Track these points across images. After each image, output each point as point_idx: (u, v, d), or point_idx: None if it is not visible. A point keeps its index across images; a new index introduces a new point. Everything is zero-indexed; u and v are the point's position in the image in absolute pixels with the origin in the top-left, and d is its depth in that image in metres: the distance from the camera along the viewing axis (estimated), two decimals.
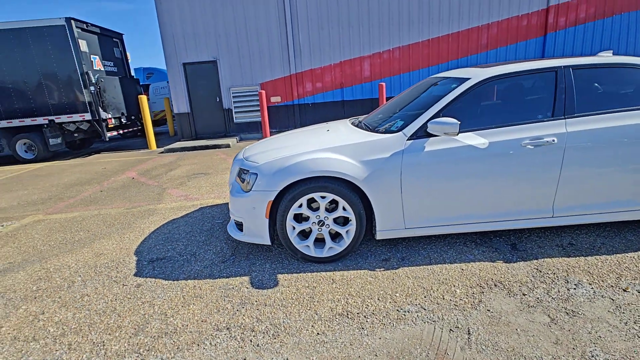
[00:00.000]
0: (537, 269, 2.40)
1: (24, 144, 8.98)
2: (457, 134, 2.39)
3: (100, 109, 8.88)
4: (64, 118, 8.80)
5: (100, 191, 5.44)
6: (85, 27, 8.83)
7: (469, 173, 2.47)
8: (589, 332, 1.80)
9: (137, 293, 2.47)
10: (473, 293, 2.19)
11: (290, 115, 10.57)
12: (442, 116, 2.51)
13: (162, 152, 8.97)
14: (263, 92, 9.24)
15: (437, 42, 10.25)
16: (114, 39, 10.32)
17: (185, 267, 2.78)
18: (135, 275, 2.72)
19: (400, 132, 2.55)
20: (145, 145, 10.33)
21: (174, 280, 2.60)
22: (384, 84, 9.48)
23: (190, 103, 10.40)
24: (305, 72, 10.29)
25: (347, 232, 2.63)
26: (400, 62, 10.36)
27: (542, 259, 2.51)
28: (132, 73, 12.69)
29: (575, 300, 2.06)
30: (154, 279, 2.64)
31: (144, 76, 18.79)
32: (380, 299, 2.21)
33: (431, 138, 2.49)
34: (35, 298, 2.51)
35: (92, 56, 9.03)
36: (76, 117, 8.81)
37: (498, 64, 2.86)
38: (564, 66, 2.54)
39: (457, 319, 1.97)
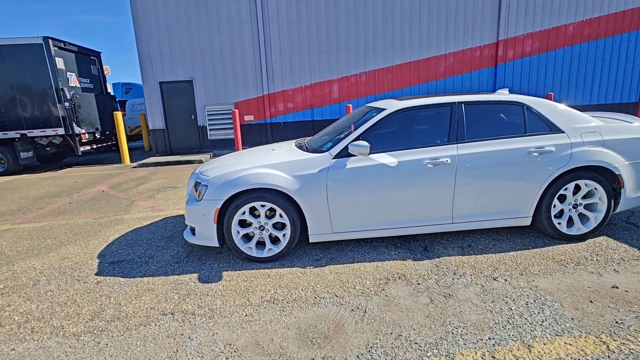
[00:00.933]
0: (436, 265, 2.93)
1: None
2: (369, 154, 2.94)
3: (74, 124, 9.13)
4: (36, 132, 8.98)
5: (69, 203, 5.70)
6: (63, 46, 9.17)
7: (382, 186, 3.01)
8: (454, 309, 2.32)
9: (96, 288, 2.83)
10: (379, 284, 2.69)
11: (263, 133, 11.09)
12: (362, 139, 3.07)
13: (135, 167, 9.24)
14: (236, 111, 9.73)
15: (400, 69, 11.12)
16: (92, 57, 10.66)
17: (142, 268, 3.17)
18: (96, 274, 3.08)
19: (327, 152, 3.08)
20: (119, 160, 10.55)
21: (130, 278, 2.98)
22: (351, 105, 10.18)
23: (165, 120, 10.77)
24: (278, 93, 10.90)
25: (283, 235, 3.10)
26: (366, 86, 11.15)
27: (443, 257, 3.05)
28: (110, 89, 12.97)
29: (455, 287, 2.58)
30: (112, 277, 3.01)
31: (122, 91, 18.97)
32: (303, 289, 2.67)
33: (352, 157, 3.03)
34: (2, 294, 2.82)
35: (68, 73, 9.33)
36: (49, 131, 9.01)
37: (414, 97, 3.47)
38: (457, 102, 3.17)
39: (359, 302, 2.46)
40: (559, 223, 3.17)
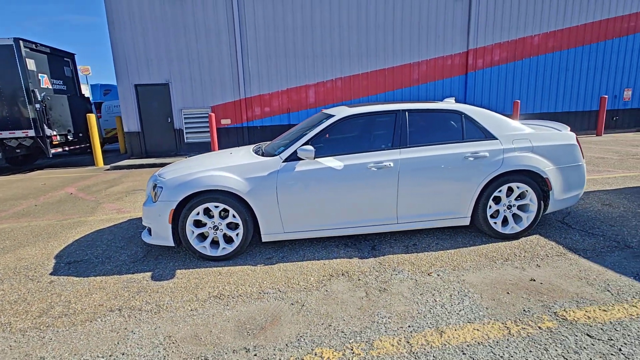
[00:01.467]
0: (379, 263, 3.13)
1: None
2: (315, 158, 3.12)
3: (45, 126, 9.02)
4: (5, 134, 8.84)
5: (34, 205, 5.68)
6: (35, 47, 9.07)
7: (330, 189, 3.20)
8: (386, 301, 2.51)
9: (49, 287, 2.90)
10: (322, 280, 2.87)
11: (240, 137, 11.18)
12: (310, 144, 3.25)
13: (107, 169, 9.19)
14: (213, 114, 9.81)
15: (375, 75, 11.43)
16: (65, 59, 10.55)
17: (98, 267, 3.25)
18: (51, 274, 3.15)
19: (278, 156, 3.25)
20: (93, 163, 10.44)
21: (84, 277, 3.06)
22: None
23: (141, 122, 10.73)
24: (255, 97, 11.04)
25: (237, 235, 3.24)
26: (342, 91, 11.41)
27: (387, 256, 3.25)
28: (88, 90, 12.80)
29: (391, 282, 2.78)
30: (66, 277, 3.08)
31: (101, 92, 18.70)
32: (250, 285, 2.82)
33: (301, 161, 3.21)
34: None
35: (39, 74, 9.23)
36: (19, 133, 8.87)
37: (365, 104, 3.68)
38: (401, 109, 3.39)
39: (300, 297, 2.62)
40: (495, 223, 3.42)
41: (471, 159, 3.28)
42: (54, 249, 3.72)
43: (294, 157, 3.23)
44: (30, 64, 8.86)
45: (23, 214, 5.20)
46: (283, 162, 3.22)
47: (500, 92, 12.08)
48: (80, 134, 10.72)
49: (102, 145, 13.82)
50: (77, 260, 3.41)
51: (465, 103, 11.95)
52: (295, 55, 10.94)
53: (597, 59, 12.36)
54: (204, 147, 11.04)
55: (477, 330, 2.14)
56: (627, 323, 2.14)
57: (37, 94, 8.85)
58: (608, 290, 2.51)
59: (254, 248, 3.53)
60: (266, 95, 11.08)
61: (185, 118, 10.84)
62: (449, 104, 3.57)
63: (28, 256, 3.57)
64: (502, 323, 2.19)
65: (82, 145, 10.96)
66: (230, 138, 11.13)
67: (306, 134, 3.34)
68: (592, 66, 12.39)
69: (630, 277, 2.67)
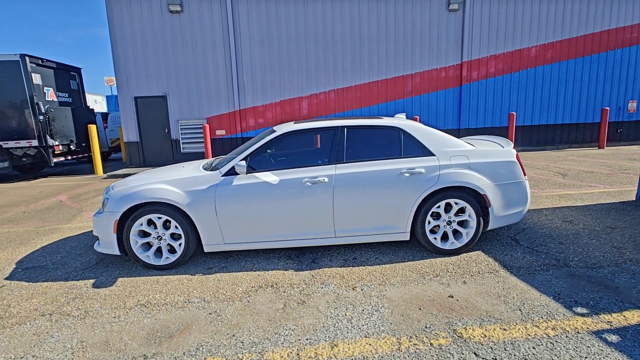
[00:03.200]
0: (312, 276, 3.20)
1: None
2: (255, 172, 3.26)
3: (48, 137, 9.51)
4: (11, 144, 9.38)
5: (23, 212, 6.01)
6: (41, 62, 9.64)
7: (266, 202, 3.31)
8: (298, 313, 2.58)
9: None
10: (249, 291, 2.96)
11: (234, 147, 11.44)
12: (250, 159, 3.39)
13: (104, 178, 9.57)
14: (207, 125, 10.13)
15: (368, 87, 11.55)
16: (72, 73, 11.14)
17: (50, 273, 3.44)
18: (5, 279, 3.36)
19: (217, 171, 3.40)
20: (94, 171, 10.89)
21: (33, 283, 3.25)
22: None
23: (139, 133, 11.16)
24: (249, 109, 11.32)
25: (179, 245, 3.38)
26: (335, 103, 11.57)
27: (323, 269, 3.32)
28: (102, 102, 13.42)
29: (314, 295, 2.85)
30: (18, 282, 3.28)
31: (116, 103, 19.52)
32: (179, 294, 2.94)
33: (239, 175, 3.34)
34: None
35: (45, 88, 9.78)
36: (23, 143, 9.40)
37: (313, 120, 3.80)
38: (341, 126, 3.49)
39: (220, 307, 2.72)
40: (435, 238, 3.44)
41: (407, 174, 3.34)
42: (19, 255, 3.96)
43: (232, 172, 3.36)
44: (36, 78, 9.42)
45: (9, 220, 5.52)
46: (222, 176, 3.35)
47: (497, 104, 11.97)
48: (84, 144, 11.23)
49: (108, 154, 14.41)
50: (34, 266, 3.62)
51: (459, 115, 11.90)
52: (290, 69, 11.19)
53: (599, 70, 12.11)
54: (199, 157, 11.34)
55: (369, 345, 2.18)
56: (519, 343, 2.14)
57: (41, 107, 9.38)
58: (519, 309, 2.51)
59: (199, 257, 3.67)
60: (260, 107, 11.35)
61: (181, 129, 11.21)
62: (390, 119, 3.64)
63: None
64: (397, 338, 2.23)
65: (87, 154, 11.47)
66: (225, 148, 11.42)
67: (248, 149, 3.48)
68: (593, 78, 12.15)
69: (550, 297, 2.65)
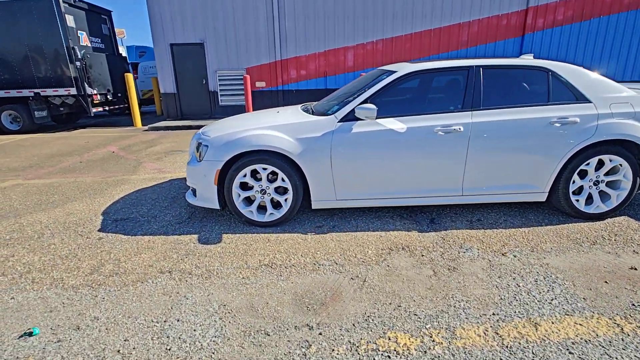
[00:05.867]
0: (442, 238, 2.82)
1: (10, 115, 9.16)
2: (376, 118, 2.77)
3: (86, 85, 9.07)
4: (49, 91, 8.99)
5: (79, 162, 5.74)
6: (73, 2, 8.95)
7: (389, 153, 2.86)
8: (458, 282, 2.22)
9: (98, 244, 2.84)
10: (381, 254, 2.61)
11: (274, 101, 10.85)
12: (369, 103, 2.89)
13: (146, 130, 9.23)
14: (248, 76, 9.48)
15: (419, 37, 10.54)
16: (102, 16, 10.41)
17: (144, 226, 3.15)
18: (99, 230, 3.09)
19: (333, 115, 2.92)
20: (131, 123, 10.55)
21: (132, 236, 2.97)
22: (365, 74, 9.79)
23: (176, 84, 10.61)
24: (291, 60, 10.54)
25: (285, 200, 3.02)
26: (382, 55, 10.66)
27: (450, 230, 2.93)
28: (122, 50, 12.78)
29: (460, 260, 2.48)
30: (115, 234, 3.01)
31: (136, 54, 18.77)
32: (302, 255, 2.61)
33: (358, 121, 2.87)
34: (7, 245, 2.86)
35: (79, 32, 9.17)
36: (62, 91, 8.99)
37: (429, 60, 3.22)
38: (475, 66, 2.92)
39: (359, 271, 2.38)
40: (577, 200, 2.98)
41: (557, 125, 2.81)
42: (100, 206, 3.69)
43: (351, 117, 2.88)
44: (70, 20, 8.78)
45: (69, 170, 5.26)
46: (339, 122, 2.89)
47: (562, 56, 10.82)
48: (119, 94, 10.78)
49: (139, 106, 13.97)
50: (123, 218, 3.34)
51: None
52: (335, 15, 10.21)
53: None
54: (238, 110, 10.83)
55: (580, 325, 1.82)
56: None
57: (77, 52, 8.84)
58: None
59: (301, 215, 3.32)
60: (303, 58, 10.55)
61: (219, 80, 10.59)
62: (531, 59, 3.04)
63: (76, 211, 3.54)
64: (610, 318, 1.86)
65: (121, 106, 11.06)
66: (264, 102, 10.83)
67: (364, 91, 2.96)
68: None
69: None
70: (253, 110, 10.68)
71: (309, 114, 3.21)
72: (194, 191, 3.19)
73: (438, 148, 2.85)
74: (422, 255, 2.56)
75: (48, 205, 3.76)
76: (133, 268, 2.47)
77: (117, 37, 11.34)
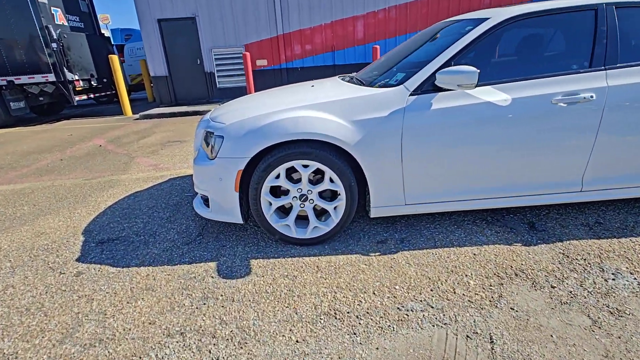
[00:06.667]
0: (563, 254, 1.99)
1: None
2: (475, 87, 1.88)
3: (65, 69, 8.01)
4: (24, 79, 7.93)
5: (60, 159, 4.83)
6: None
7: (486, 137, 1.99)
8: (638, 337, 1.41)
9: (74, 284, 1.99)
10: (490, 285, 1.78)
11: (278, 80, 9.83)
12: (455, 65, 1.99)
13: (137, 119, 8.25)
14: (247, 54, 8.42)
15: (437, 1, 9.44)
16: None
17: (140, 251, 2.30)
18: (78, 260, 2.23)
19: (402, 86, 2.02)
20: (120, 112, 9.54)
21: (123, 268, 2.12)
22: (378, 46, 8.75)
23: (168, 65, 9.54)
24: (294, 33, 9.45)
25: (335, 208, 2.16)
26: (396, 23, 9.57)
27: (568, 241, 2.10)
28: (104, 31, 11.57)
29: (618, 294, 1.65)
30: (99, 266, 2.15)
31: (122, 38, 17.42)
32: (376, 292, 1.78)
33: (440, 93, 1.98)
34: None
35: (52, 8, 8.02)
36: (38, 77, 7.94)
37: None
38: (606, 4, 2.00)
39: (474, 321, 1.56)
40: None
41: None
42: (81, 220, 2.82)
43: (427, 88, 1.99)
44: None
45: (47, 170, 4.35)
46: (411, 94, 1.99)
47: None
48: (105, 80, 9.70)
49: (128, 93, 12.87)
50: (111, 239, 2.48)
51: None
52: None
53: None
54: (238, 93, 9.82)
55: None
56: None
57: (52, 31, 7.73)
58: None
59: (350, 224, 2.47)
60: (307, 30, 9.45)
61: (216, 59, 9.52)
62: None
63: (49, 230, 2.68)
64: None
65: (108, 93, 9.99)
66: (267, 82, 9.80)
67: (444, 50, 2.05)
68: None
69: None
70: (255, 91, 9.66)
71: (355, 84, 2.31)
72: (205, 199, 2.33)
73: (556, 126, 1.97)
74: (553, 287, 1.74)
75: (13, 221, 2.89)
76: (125, 329, 1.63)
77: (99, 21, 10.15)
